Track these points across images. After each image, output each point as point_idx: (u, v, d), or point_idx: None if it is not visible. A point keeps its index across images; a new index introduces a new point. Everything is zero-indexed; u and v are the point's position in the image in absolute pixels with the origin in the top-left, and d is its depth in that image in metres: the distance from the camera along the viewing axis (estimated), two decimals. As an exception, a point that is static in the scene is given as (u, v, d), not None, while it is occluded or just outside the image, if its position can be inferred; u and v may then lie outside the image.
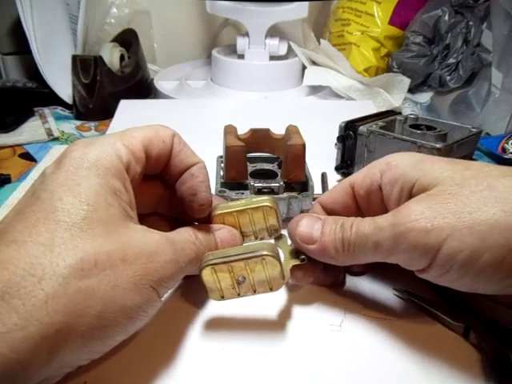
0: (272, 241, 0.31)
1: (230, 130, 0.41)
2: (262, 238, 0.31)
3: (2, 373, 0.18)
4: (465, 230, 0.23)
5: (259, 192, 0.38)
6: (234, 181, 0.39)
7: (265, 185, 0.38)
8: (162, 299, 0.25)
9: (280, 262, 0.27)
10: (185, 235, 0.28)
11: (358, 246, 0.26)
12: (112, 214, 0.23)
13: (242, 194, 0.38)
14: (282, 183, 0.38)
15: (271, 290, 0.28)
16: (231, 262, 0.26)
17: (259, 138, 0.43)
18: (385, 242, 0.25)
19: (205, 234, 0.29)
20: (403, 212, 0.25)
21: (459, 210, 0.23)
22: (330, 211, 0.31)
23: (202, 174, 0.29)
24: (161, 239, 0.25)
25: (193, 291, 0.31)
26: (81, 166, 0.24)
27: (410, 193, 0.26)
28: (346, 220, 0.27)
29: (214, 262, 0.26)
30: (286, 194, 0.38)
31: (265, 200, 0.31)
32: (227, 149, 0.38)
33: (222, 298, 0.28)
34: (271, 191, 0.38)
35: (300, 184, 0.40)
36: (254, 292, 0.28)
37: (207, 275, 0.27)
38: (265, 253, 0.27)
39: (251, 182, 0.38)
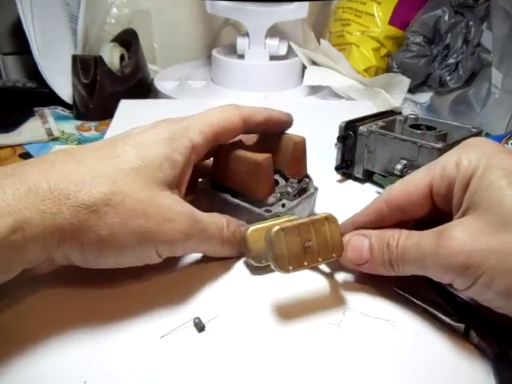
0: None
1: (235, 143, 0.38)
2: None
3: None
4: None
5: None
6: (266, 197, 0.36)
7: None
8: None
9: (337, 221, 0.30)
10: (215, 220, 0.31)
11: (404, 264, 0.28)
12: (157, 176, 0.28)
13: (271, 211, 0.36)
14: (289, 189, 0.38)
15: (334, 255, 0.29)
16: (299, 224, 0.28)
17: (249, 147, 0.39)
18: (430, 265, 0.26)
19: (235, 225, 0.32)
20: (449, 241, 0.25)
21: None
22: (396, 210, 0.30)
23: (267, 113, 0.38)
24: (184, 211, 0.29)
25: (191, 295, 0.31)
26: (158, 137, 0.30)
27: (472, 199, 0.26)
28: (391, 239, 0.28)
29: (284, 226, 0.28)
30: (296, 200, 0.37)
31: (323, 213, 0.30)
32: (259, 165, 0.35)
33: (289, 267, 0.28)
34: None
35: (301, 182, 0.39)
36: (318, 261, 0.29)
37: (278, 240, 0.27)
38: (325, 214, 0.29)
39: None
